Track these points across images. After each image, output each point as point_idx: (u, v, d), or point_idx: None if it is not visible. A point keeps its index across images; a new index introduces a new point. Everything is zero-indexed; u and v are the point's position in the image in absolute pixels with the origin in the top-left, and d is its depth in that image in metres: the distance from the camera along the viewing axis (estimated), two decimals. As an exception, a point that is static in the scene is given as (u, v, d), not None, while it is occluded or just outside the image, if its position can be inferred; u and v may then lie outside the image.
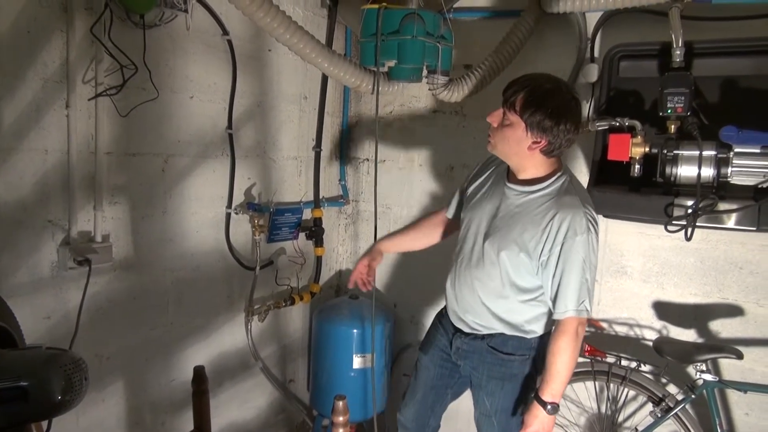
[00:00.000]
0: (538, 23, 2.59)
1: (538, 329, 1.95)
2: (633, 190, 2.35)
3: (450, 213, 2.32)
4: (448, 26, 2.44)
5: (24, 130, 1.91)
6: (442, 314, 2.22)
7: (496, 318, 1.94)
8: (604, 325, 2.73)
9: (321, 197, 3.13)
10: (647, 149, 2.25)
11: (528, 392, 1.96)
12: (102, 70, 2.05)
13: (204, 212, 2.55)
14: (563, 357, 1.79)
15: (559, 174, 1.84)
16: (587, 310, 1.78)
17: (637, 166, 2.26)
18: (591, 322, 2.74)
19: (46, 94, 1.95)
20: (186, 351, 2.56)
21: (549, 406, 1.82)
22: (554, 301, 1.80)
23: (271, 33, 2.13)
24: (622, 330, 2.70)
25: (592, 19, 2.59)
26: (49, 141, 1.98)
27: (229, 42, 2.50)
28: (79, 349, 1.98)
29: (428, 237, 2.40)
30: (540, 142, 1.75)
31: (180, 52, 2.34)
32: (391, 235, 2.47)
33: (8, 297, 1.43)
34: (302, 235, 3.06)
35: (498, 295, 1.90)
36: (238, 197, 2.69)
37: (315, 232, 3.10)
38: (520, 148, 1.78)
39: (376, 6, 2.32)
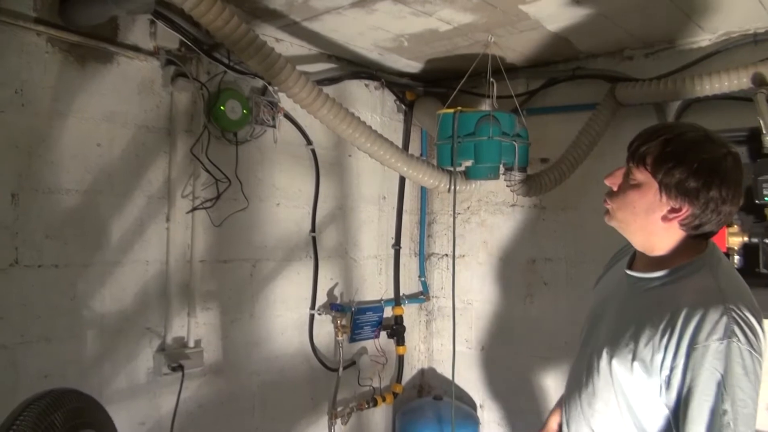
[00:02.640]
0: (615, 115, 2.59)
1: None
2: (735, 282, 2.19)
3: None
4: (523, 124, 2.49)
5: (129, 244, 2.07)
6: None
7: None
8: None
9: (401, 294, 3.13)
10: (746, 239, 2.13)
11: None
12: (199, 185, 2.22)
13: (288, 314, 2.61)
14: None
15: (700, 257, 1.27)
16: None
17: (736, 257, 2.13)
18: None
19: (150, 209, 2.12)
20: (271, 457, 2.53)
21: None
22: None
23: (353, 142, 2.25)
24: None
25: (671, 106, 2.55)
26: (150, 252, 2.12)
27: (313, 151, 2.65)
28: (170, 457, 2.01)
29: None
30: (680, 210, 1.23)
31: (268, 164, 2.50)
32: (555, 409, 1.72)
33: (107, 404, 1.49)
34: (383, 334, 3.04)
35: (613, 425, 1.31)
36: (321, 298, 2.74)
37: (396, 330, 3.08)
38: (650, 219, 1.27)
39: (451, 110, 2.41)
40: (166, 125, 2.16)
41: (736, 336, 1.13)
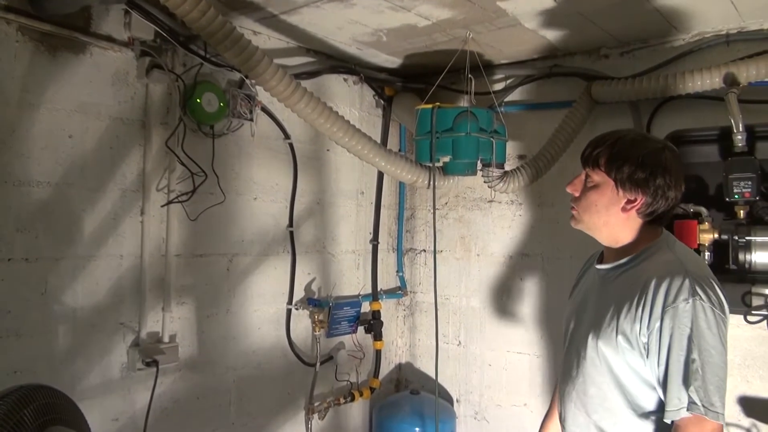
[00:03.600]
0: (591, 112, 2.61)
1: None
2: (705, 278, 2.24)
3: None
4: (500, 121, 2.50)
5: (102, 237, 2.04)
6: None
7: None
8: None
9: (379, 290, 3.13)
10: (716, 235, 2.17)
11: None
12: (174, 178, 2.19)
13: (266, 309, 2.59)
14: None
15: (657, 241, 1.45)
16: (705, 406, 1.24)
17: (707, 253, 2.17)
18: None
19: (124, 203, 2.09)
20: (247, 452, 2.52)
21: None
22: (664, 397, 1.31)
23: (331, 137, 2.24)
24: (706, 429, 2.49)
25: (646, 106, 2.59)
26: (125, 247, 2.09)
27: (291, 145, 2.64)
28: (144, 453, 1.99)
29: None
30: (635, 201, 1.41)
31: (245, 157, 2.47)
32: (549, 413, 1.79)
33: (79, 400, 1.46)
34: (361, 329, 3.04)
35: (607, 406, 1.41)
36: (299, 293, 2.73)
37: (374, 325, 3.08)
38: (611, 213, 1.44)
39: (429, 106, 2.41)
40: (141, 117, 2.13)
41: (698, 295, 1.30)
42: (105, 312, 2.05)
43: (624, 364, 1.37)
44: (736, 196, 2.12)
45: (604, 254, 1.56)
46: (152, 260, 2.15)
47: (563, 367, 1.58)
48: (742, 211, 2.16)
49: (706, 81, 2.25)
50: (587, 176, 1.48)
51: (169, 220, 2.19)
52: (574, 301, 1.63)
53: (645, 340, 1.33)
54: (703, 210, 2.23)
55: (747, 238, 2.09)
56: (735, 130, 2.17)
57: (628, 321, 1.35)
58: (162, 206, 2.17)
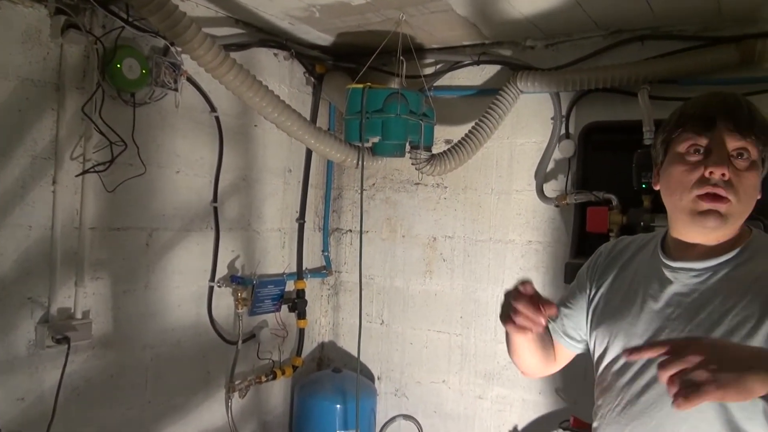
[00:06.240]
0: (515, 100, 2.71)
1: None
2: (613, 261, 2.40)
3: (553, 333, 1.38)
4: (429, 104, 2.55)
5: (8, 206, 1.91)
6: None
7: None
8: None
9: (304, 268, 3.12)
10: (624, 221, 2.34)
11: None
12: (91, 146, 2.08)
13: (187, 286, 2.53)
14: None
15: (755, 232, 1.14)
16: None
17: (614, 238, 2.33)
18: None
19: (34, 170, 1.96)
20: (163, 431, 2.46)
21: None
22: None
23: (259, 111, 2.20)
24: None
25: (566, 97, 2.71)
26: (34, 217, 1.97)
27: (217, 118, 2.56)
28: (52, 433, 1.90)
29: (544, 354, 1.36)
30: (763, 176, 1.11)
31: (168, 129, 2.38)
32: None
33: (-19, 379, 1.39)
34: (285, 307, 3.02)
35: None
36: (222, 270, 2.68)
37: (298, 304, 3.07)
38: (755, 200, 1.10)
39: (360, 86, 2.42)
40: (55, 80, 2.00)
41: None
42: (10, 286, 1.93)
43: (746, 405, 1.00)
44: (643, 185, 2.27)
45: (671, 248, 1.16)
46: (65, 232, 2.04)
47: (624, 398, 1.15)
48: (647, 200, 2.32)
49: (621, 76, 2.39)
50: (742, 151, 1.05)
51: (84, 190, 2.08)
52: (626, 304, 1.19)
53: None
54: (613, 198, 2.40)
55: (651, 224, 2.25)
56: (644, 124, 2.32)
57: (753, 327, 1.02)
58: (77, 176, 2.06)
